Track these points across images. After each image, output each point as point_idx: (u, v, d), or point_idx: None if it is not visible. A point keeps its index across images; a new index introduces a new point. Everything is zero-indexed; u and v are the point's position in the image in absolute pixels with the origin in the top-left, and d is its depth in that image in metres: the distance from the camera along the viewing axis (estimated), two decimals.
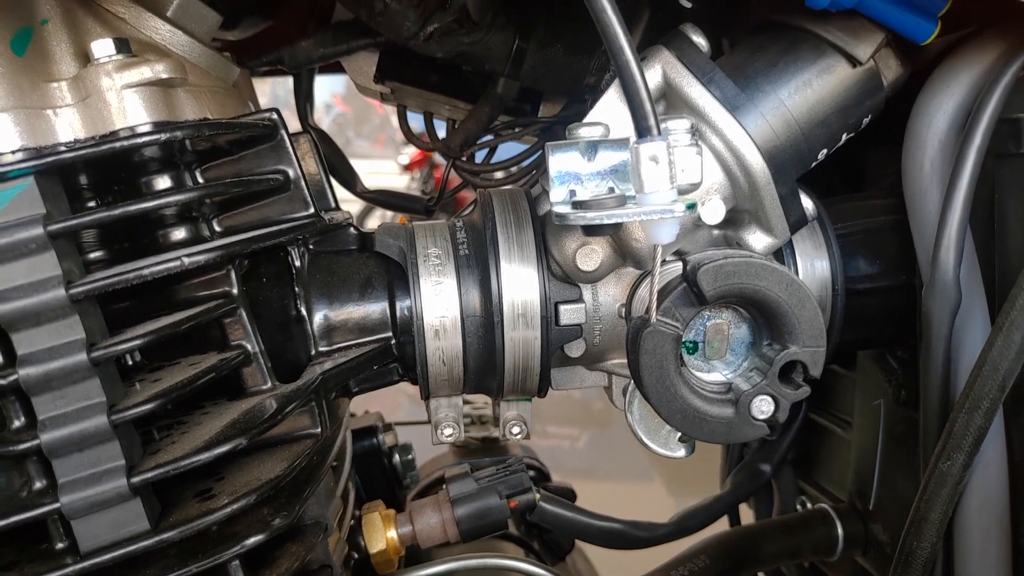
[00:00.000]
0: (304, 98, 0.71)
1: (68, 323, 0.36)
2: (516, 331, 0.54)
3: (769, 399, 0.44)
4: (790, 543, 0.69)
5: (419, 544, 0.60)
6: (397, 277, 0.54)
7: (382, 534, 0.58)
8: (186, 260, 0.39)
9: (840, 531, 0.70)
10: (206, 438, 0.40)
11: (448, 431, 0.59)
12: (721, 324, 0.45)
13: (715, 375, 0.46)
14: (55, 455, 0.36)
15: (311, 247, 0.54)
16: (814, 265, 0.55)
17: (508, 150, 0.72)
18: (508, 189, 0.57)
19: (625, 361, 0.58)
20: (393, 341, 0.54)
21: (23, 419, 0.37)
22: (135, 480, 0.37)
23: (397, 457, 0.72)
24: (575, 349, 0.55)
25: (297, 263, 0.52)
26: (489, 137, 0.70)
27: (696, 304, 0.44)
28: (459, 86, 0.69)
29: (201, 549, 0.41)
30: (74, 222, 0.37)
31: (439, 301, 0.53)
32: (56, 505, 0.36)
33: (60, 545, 0.38)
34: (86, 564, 0.37)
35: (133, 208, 0.39)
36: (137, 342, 0.38)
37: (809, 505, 0.74)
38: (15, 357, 0.36)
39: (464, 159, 0.69)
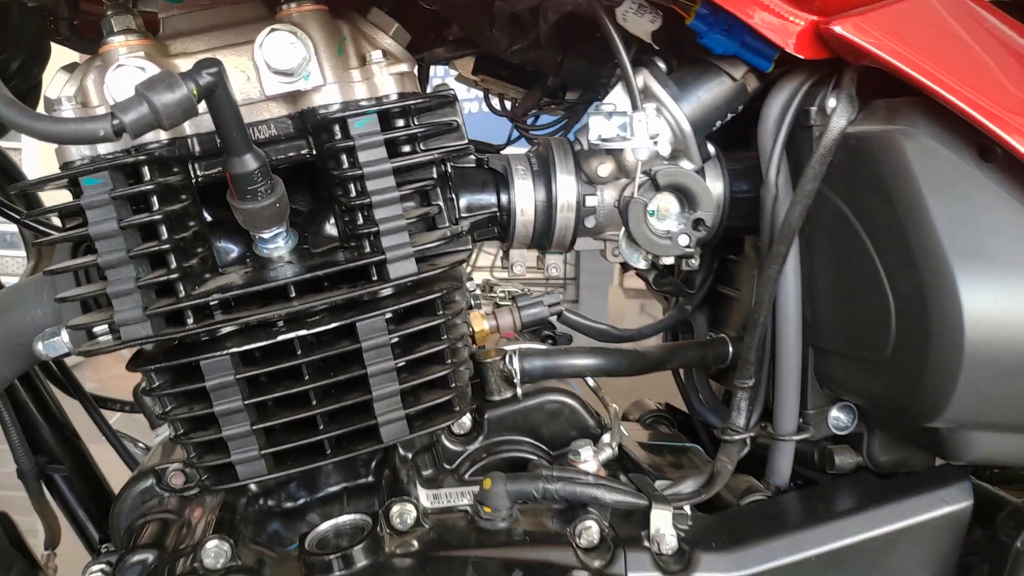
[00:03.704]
0: (425, 83, 1.19)
1: (389, 180, 0.84)
2: (563, 212, 1.02)
3: (687, 236, 0.95)
4: (701, 352, 1.19)
5: (500, 330, 1.08)
6: (501, 181, 1.02)
7: (481, 322, 1.07)
8: (436, 155, 0.87)
9: (731, 349, 1.21)
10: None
11: (518, 268, 1.09)
12: (666, 201, 0.96)
13: (662, 226, 0.96)
14: (383, 235, 0.84)
15: (451, 163, 1.02)
16: (715, 184, 1.05)
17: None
18: (557, 137, 1.06)
19: (612, 233, 1.07)
20: (497, 213, 1.02)
21: (362, 220, 0.85)
22: (415, 250, 0.85)
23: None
24: (590, 222, 1.04)
25: (449, 170, 1.00)
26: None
27: (654, 190, 0.94)
28: (521, 79, 1.17)
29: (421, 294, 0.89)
30: (405, 134, 0.84)
31: (524, 193, 1.01)
32: (382, 257, 0.84)
33: (375, 279, 0.86)
34: (396, 282, 0.84)
35: (413, 131, 0.87)
36: (413, 189, 0.86)
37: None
38: (368, 196, 0.84)
39: (521, 123, 1.19)
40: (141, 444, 1.44)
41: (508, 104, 1.26)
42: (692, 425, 1.35)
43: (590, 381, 1.13)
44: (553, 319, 1.15)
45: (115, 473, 1.33)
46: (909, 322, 0.84)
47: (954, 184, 0.83)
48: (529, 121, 1.24)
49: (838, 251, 0.94)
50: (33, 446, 1.16)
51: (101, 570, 1.02)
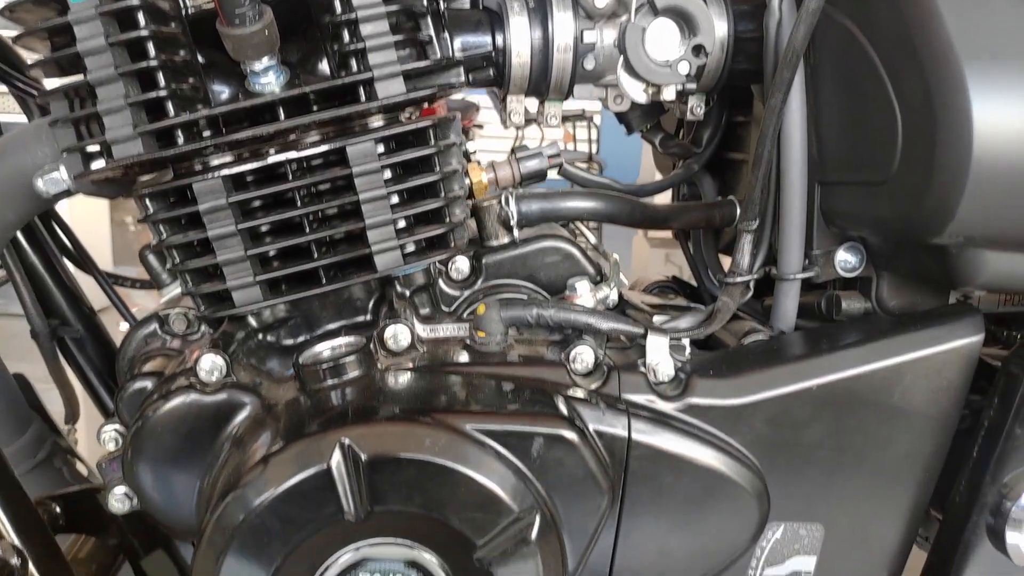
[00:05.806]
0: None
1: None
2: (559, 53, 1.00)
3: (687, 63, 0.92)
4: (708, 212, 1.17)
5: (498, 183, 1.07)
6: (496, 21, 1.00)
7: (479, 174, 1.05)
8: None
9: (739, 209, 1.19)
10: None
11: (516, 117, 1.07)
12: (665, 26, 0.93)
13: (662, 55, 0.94)
14: (370, 52, 0.82)
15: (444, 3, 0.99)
16: (719, 23, 1.02)
17: None
18: None
19: (613, 78, 1.04)
20: (492, 53, 1.00)
21: (348, 38, 0.83)
22: (403, 69, 0.83)
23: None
24: (589, 63, 1.01)
25: (442, 8, 0.97)
26: None
27: (653, 14, 0.91)
28: None
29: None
30: None
31: (519, 32, 0.99)
32: (369, 75, 0.83)
33: (363, 99, 0.84)
34: (384, 101, 0.83)
35: None
36: (400, 6, 0.84)
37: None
38: (354, 11, 0.82)
39: None
40: None
41: None
42: (700, 298, 1.33)
43: (591, 237, 1.12)
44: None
45: None
46: (916, 131, 0.81)
47: None
48: None
49: (844, 74, 0.91)
50: (46, 310, 1.18)
51: (115, 429, 1.04)
